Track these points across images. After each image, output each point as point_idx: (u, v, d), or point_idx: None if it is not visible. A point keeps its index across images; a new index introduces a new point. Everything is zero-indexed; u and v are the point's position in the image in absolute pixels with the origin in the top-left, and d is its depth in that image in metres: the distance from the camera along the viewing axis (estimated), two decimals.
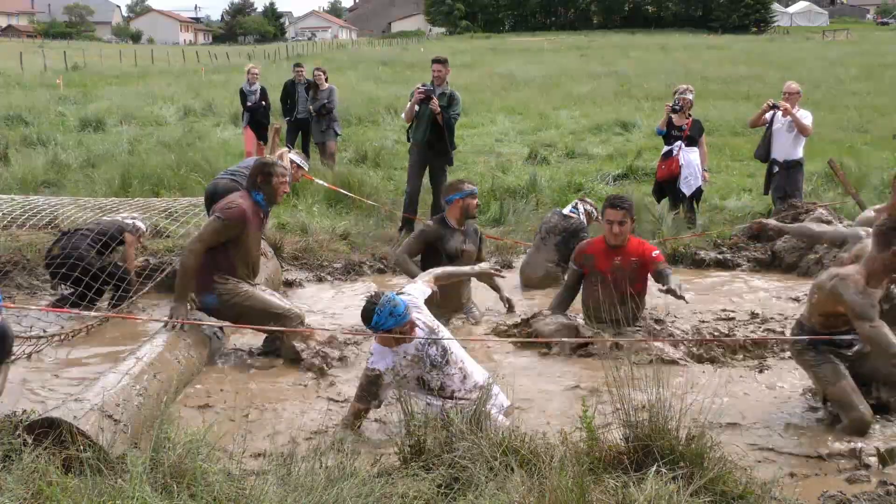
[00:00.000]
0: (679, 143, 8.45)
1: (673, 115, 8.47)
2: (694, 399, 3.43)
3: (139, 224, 6.50)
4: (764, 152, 8.46)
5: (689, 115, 8.54)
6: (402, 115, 8.66)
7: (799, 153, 8.31)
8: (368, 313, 3.91)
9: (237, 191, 6.46)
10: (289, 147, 7.26)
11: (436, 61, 8.22)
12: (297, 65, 12.73)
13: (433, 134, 8.04)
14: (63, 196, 8.44)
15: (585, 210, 7.10)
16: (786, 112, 8.08)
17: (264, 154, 9.37)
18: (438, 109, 7.84)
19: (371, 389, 4.02)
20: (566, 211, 7.14)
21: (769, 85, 9.02)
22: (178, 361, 4.55)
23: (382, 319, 3.89)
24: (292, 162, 6.92)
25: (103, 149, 12.90)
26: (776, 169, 8.29)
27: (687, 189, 8.49)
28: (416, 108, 7.98)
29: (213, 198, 6.55)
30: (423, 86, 8.04)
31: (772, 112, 8.33)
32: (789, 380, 4.78)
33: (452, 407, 3.68)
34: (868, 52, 34.93)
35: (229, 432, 3.76)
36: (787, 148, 8.25)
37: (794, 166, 8.30)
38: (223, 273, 5.05)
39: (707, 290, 6.80)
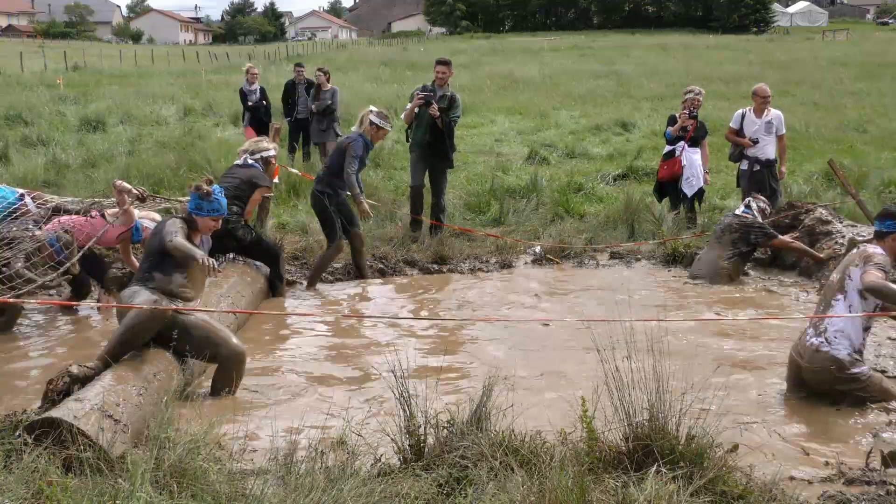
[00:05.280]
0: (682, 143, 8.44)
1: (689, 121, 8.43)
2: (694, 399, 3.43)
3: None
4: (738, 154, 8.45)
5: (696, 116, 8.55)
6: (402, 116, 8.63)
7: (774, 153, 8.36)
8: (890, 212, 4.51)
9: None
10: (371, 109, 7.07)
11: (440, 62, 8.14)
12: (298, 65, 12.73)
13: (433, 136, 8.00)
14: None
15: (759, 207, 7.37)
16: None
17: None
18: (437, 114, 7.79)
19: None
20: (739, 211, 7.40)
21: (769, 85, 8.99)
22: (179, 361, 4.54)
23: None
24: (372, 124, 6.89)
25: (103, 149, 12.90)
26: (757, 167, 8.29)
27: (689, 189, 8.49)
28: (416, 110, 7.95)
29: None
30: (423, 89, 8.00)
31: (740, 115, 8.40)
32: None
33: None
34: (868, 52, 34.91)
35: (229, 432, 3.76)
36: (767, 148, 8.27)
37: (773, 164, 8.34)
38: None
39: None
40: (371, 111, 7.00)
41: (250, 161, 6.52)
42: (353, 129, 7.07)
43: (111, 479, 3.08)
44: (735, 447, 3.42)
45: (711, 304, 6.47)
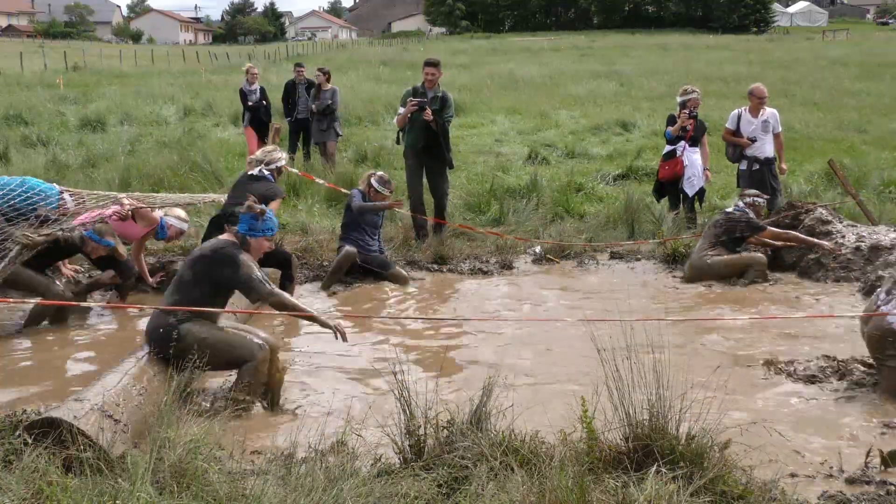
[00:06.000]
0: (682, 143, 8.45)
1: (688, 121, 8.43)
2: (694, 399, 3.43)
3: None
4: (738, 154, 8.46)
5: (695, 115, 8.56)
6: (394, 120, 8.60)
7: (772, 151, 8.38)
8: None
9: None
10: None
11: (428, 64, 8.03)
12: (298, 65, 12.74)
13: (428, 139, 7.96)
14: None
15: (747, 203, 7.36)
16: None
17: None
18: (432, 117, 7.77)
19: None
20: (729, 209, 7.46)
21: (768, 84, 9.03)
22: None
23: None
24: (370, 186, 7.21)
25: (103, 149, 12.91)
26: (756, 166, 8.30)
27: (690, 189, 8.49)
28: (409, 115, 7.92)
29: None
30: (415, 93, 7.93)
31: (736, 116, 8.42)
32: (790, 378, 4.79)
33: None
34: (868, 52, 34.92)
35: (229, 432, 3.76)
36: (765, 147, 8.29)
37: (772, 162, 8.36)
38: None
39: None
40: (374, 174, 7.32)
41: (265, 172, 6.50)
42: (359, 186, 7.41)
43: (111, 479, 3.08)
44: (728, 443, 3.41)
45: (712, 303, 6.47)
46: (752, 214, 7.25)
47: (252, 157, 6.81)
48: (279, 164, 6.60)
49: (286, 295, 4.44)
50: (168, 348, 4.29)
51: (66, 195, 6.22)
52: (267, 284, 4.38)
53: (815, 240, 7.13)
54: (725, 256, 7.00)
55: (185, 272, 4.47)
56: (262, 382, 4.39)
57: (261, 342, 4.43)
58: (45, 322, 5.85)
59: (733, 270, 6.97)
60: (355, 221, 7.16)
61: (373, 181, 7.24)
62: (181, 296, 4.40)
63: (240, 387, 4.35)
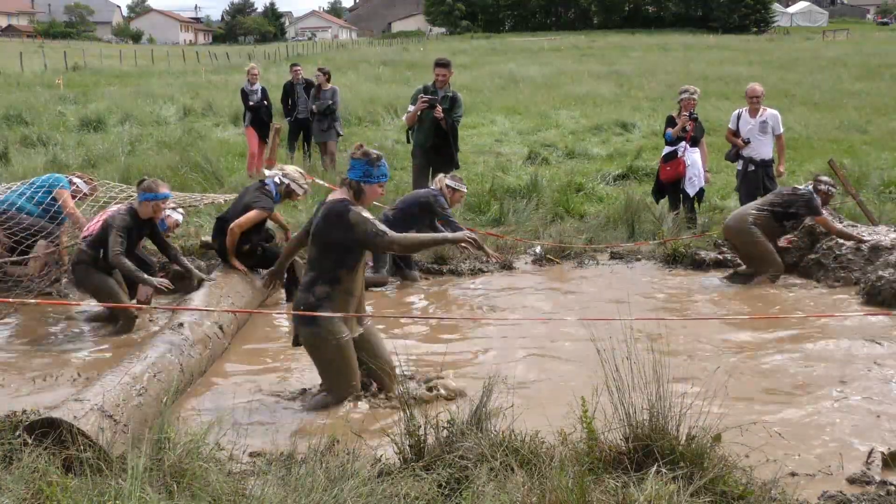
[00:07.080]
0: (683, 144, 8.45)
1: (689, 122, 8.43)
2: (694, 399, 3.43)
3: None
4: (734, 154, 8.50)
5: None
6: (404, 118, 8.61)
7: (771, 152, 8.39)
8: None
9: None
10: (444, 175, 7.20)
11: (439, 65, 8.08)
12: (294, 65, 12.75)
13: (437, 138, 7.97)
14: None
15: (819, 189, 7.12)
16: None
17: (265, 154, 9.41)
18: (442, 116, 7.79)
19: None
20: (800, 186, 7.23)
21: (768, 85, 9.06)
22: (179, 361, 4.54)
23: None
24: (448, 187, 7.01)
25: (103, 149, 12.90)
26: (751, 167, 8.31)
27: (691, 189, 8.50)
28: (419, 112, 7.93)
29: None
30: (425, 91, 7.95)
31: (736, 116, 8.44)
32: (790, 379, 4.79)
33: None
34: (868, 52, 34.91)
35: (229, 432, 3.76)
36: (762, 148, 8.31)
37: (769, 164, 8.37)
38: None
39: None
40: (444, 176, 7.16)
41: (277, 180, 6.32)
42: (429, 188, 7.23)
43: (111, 479, 3.08)
44: (718, 437, 3.40)
45: (712, 303, 6.47)
46: (818, 199, 7.05)
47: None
48: (291, 185, 6.36)
49: (407, 236, 4.22)
50: (299, 328, 4.30)
51: (75, 179, 6.36)
52: (385, 235, 4.13)
53: (855, 234, 7.06)
54: (762, 237, 6.89)
55: (310, 249, 4.35)
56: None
57: (356, 393, 4.37)
58: (107, 323, 5.88)
59: (756, 252, 6.91)
60: (412, 217, 6.90)
61: (448, 182, 7.06)
62: (315, 272, 4.29)
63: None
